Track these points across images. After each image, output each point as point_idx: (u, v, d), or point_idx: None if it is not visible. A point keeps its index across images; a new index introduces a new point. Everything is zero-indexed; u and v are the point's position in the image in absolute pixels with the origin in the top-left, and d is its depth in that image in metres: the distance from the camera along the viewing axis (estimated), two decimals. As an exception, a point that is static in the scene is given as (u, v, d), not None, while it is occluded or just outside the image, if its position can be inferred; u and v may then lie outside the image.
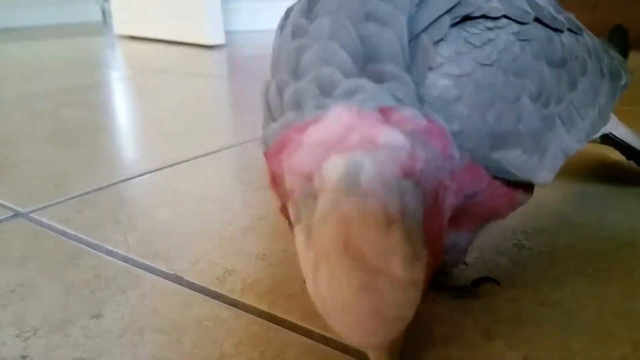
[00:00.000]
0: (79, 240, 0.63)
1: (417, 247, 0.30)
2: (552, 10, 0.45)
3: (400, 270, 0.29)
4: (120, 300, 0.50)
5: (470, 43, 0.38)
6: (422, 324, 0.45)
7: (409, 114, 0.34)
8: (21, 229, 0.67)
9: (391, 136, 0.32)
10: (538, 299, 0.48)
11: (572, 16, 0.50)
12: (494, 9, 0.39)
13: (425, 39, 0.36)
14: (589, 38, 0.51)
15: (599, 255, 0.54)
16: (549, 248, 0.56)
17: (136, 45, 2.51)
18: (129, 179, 0.81)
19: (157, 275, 0.54)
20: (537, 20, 0.42)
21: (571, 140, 0.45)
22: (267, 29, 2.71)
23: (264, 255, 0.57)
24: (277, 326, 0.45)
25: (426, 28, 0.37)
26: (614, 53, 0.58)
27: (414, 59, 0.36)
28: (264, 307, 0.48)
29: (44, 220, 0.68)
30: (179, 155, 0.91)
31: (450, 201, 0.36)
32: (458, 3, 0.38)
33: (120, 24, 2.71)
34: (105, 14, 3.57)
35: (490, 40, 0.38)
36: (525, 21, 0.41)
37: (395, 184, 0.30)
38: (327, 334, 0.44)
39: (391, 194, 0.30)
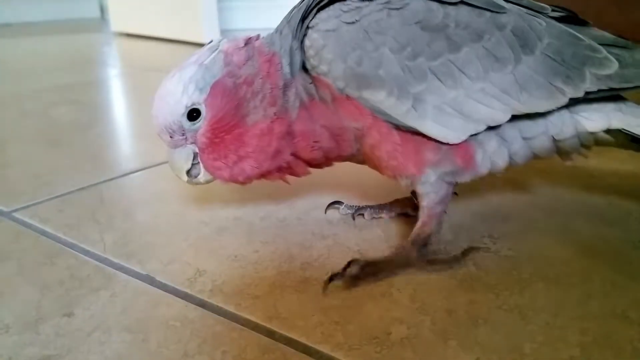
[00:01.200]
0: (58, 240, 0.64)
1: (191, 86, 0.53)
2: None
3: (165, 89, 0.55)
4: (92, 299, 0.52)
5: (341, 10, 0.52)
6: (381, 323, 0.46)
7: (259, 43, 0.57)
8: (3, 228, 0.68)
9: (235, 44, 0.56)
10: (497, 303, 0.49)
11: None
12: None
13: (311, 11, 0.54)
14: (519, 19, 0.54)
15: (561, 260, 0.56)
16: (513, 252, 0.57)
17: (132, 42, 2.52)
18: (112, 179, 0.82)
19: (130, 275, 0.56)
20: None
21: (466, 100, 0.51)
22: (263, 27, 2.72)
23: (235, 256, 0.58)
24: (240, 326, 0.47)
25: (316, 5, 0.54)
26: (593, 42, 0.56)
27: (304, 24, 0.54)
28: (230, 307, 0.49)
29: (26, 219, 0.69)
30: (164, 156, 0.92)
31: (263, 104, 0.55)
32: None
33: (117, 21, 2.72)
34: (103, 10, 3.58)
35: (357, 7, 0.52)
36: None
37: (215, 54, 0.55)
38: (288, 334, 0.45)
39: (205, 57, 0.55)
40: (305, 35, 0.53)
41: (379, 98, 0.51)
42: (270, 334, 0.46)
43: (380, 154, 0.55)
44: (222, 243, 0.61)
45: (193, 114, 0.54)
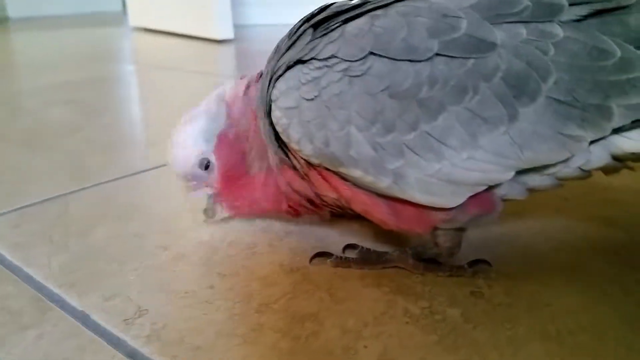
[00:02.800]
0: (2, 262, 0.57)
1: (199, 139, 0.56)
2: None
3: (179, 140, 0.57)
4: (16, 340, 0.45)
5: (299, 81, 0.47)
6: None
7: (255, 92, 0.55)
8: (-53, 245, 0.62)
9: (236, 92, 0.57)
10: (482, 368, 0.41)
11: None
12: (328, 50, 0.47)
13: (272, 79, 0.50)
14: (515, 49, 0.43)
15: (567, 311, 0.47)
16: (510, 299, 0.49)
17: (148, 37, 2.48)
18: (83, 189, 0.76)
19: (65, 311, 0.49)
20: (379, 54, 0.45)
21: (453, 170, 0.44)
22: (277, 23, 2.65)
23: (186, 292, 0.51)
24: (168, 388, 0.39)
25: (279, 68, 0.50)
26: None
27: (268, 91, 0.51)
28: (164, 360, 0.42)
29: (-24, 235, 0.63)
30: (144, 164, 0.85)
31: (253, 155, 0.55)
32: (311, 48, 0.48)
33: (135, 16, 2.68)
34: (125, 4, 3.56)
35: (315, 78, 0.46)
36: (355, 59, 0.45)
37: (220, 104, 0.57)
38: (222, 402, 0.38)
39: (212, 107, 0.57)
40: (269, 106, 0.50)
41: (356, 175, 0.46)
42: (200, 401, 0.38)
43: (374, 219, 0.51)
44: (176, 274, 0.54)
45: (205, 164, 0.56)
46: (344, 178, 0.48)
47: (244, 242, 0.59)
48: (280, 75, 0.49)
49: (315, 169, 0.49)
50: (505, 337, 0.44)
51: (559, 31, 0.43)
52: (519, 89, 0.42)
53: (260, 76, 0.56)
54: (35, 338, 0.45)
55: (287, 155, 0.51)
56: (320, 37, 0.48)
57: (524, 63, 0.43)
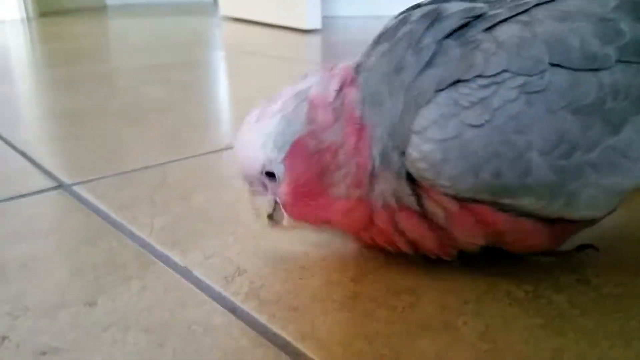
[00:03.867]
0: (107, 219, 0.60)
1: (269, 142, 0.46)
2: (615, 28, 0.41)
3: (246, 139, 0.48)
4: (121, 289, 0.47)
5: (459, 104, 0.39)
6: None
7: (352, 98, 0.45)
8: (58, 201, 0.66)
9: (324, 93, 0.46)
10: (592, 356, 0.39)
11: None
12: (495, 64, 0.40)
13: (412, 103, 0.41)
14: None
15: (685, 307, 0.44)
16: (621, 290, 0.46)
17: (238, 26, 2.53)
18: (180, 159, 0.78)
19: (168, 266, 0.51)
20: (560, 65, 0.40)
21: (624, 182, 0.42)
22: (365, 15, 2.64)
23: (282, 257, 0.51)
24: (268, 342, 0.40)
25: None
26: None
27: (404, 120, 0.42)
28: (262, 318, 0.43)
29: (83, 194, 0.67)
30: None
31: (345, 175, 0.45)
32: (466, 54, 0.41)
33: (226, 6, 2.75)
34: (216, -5, 3.65)
35: (483, 99, 0.39)
36: (534, 73, 0.40)
37: (300, 103, 0.46)
38: (316, 359, 0.38)
39: (290, 105, 0.46)
40: (407, 139, 0.41)
41: (524, 203, 0.41)
42: (298, 356, 0.38)
43: (520, 246, 0.46)
44: (272, 241, 0.54)
45: (272, 172, 0.47)
46: (500, 209, 0.42)
47: (337, 216, 0.59)
48: (428, 100, 0.41)
49: (467, 207, 0.42)
50: (617, 327, 0.41)
51: None
52: None
53: (356, 73, 0.46)
54: (139, 289, 0.47)
55: (418, 202, 0.43)
56: (471, 50, 0.41)
57: None
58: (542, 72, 0.39)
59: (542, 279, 0.47)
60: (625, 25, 0.41)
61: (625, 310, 0.43)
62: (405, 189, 0.42)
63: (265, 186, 0.48)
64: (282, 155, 0.45)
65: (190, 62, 1.62)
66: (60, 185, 0.69)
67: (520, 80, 0.39)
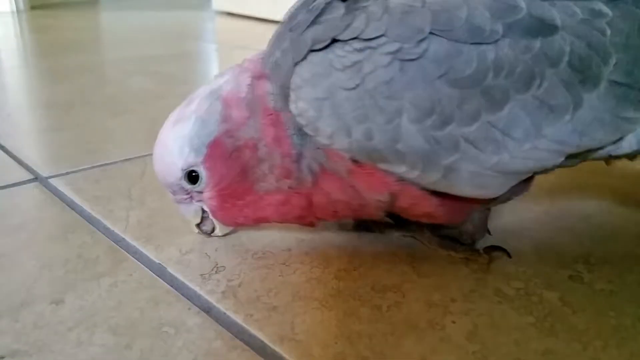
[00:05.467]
0: (82, 213, 0.58)
1: (185, 146, 0.45)
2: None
3: (162, 145, 0.47)
4: (90, 287, 0.45)
5: (332, 66, 0.40)
6: None
7: (265, 90, 0.44)
8: (33, 194, 0.63)
9: (237, 89, 0.45)
10: (584, 357, 0.36)
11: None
12: (374, 29, 0.39)
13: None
14: (572, 35, 0.39)
15: (683, 305, 0.42)
16: (613, 287, 0.44)
17: (231, 20, 2.50)
18: (162, 152, 0.76)
19: (141, 262, 0.48)
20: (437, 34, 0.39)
21: (512, 162, 0.40)
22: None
23: (263, 252, 0.49)
24: (243, 345, 0.38)
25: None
26: None
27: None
28: (239, 318, 0.40)
29: (59, 187, 0.64)
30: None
31: (267, 164, 0.44)
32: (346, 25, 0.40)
33: (219, 0, 2.72)
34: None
35: (355, 63, 0.39)
36: (411, 40, 0.38)
37: (213, 102, 0.45)
38: (297, 364, 0.36)
39: (203, 105, 0.45)
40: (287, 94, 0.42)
41: (399, 170, 0.41)
42: (276, 359, 0.36)
43: (416, 214, 0.46)
44: (252, 236, 0.52)
45: (192, 175, 0.45)
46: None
47: (322, 210, 0.57)
48: (302, 59, 0.41)
49: (361, 166, 0.42)
50: (610, 326, 0.39)
51: (606, 10, 0.40)
52: (583, 74, 0.39)
53: (267, 63, 0.45)
54: (109, 286, 0.45)
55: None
56: (355, 12, 0.40)
57: (586, 46, 0.39)
58: (421, 40, 0.38)
59: (533, 275, 0.45)
60: (523, 2, 0.39)
61: (618, 307, 0.41)
62: (314, 147, 0.43)
63: (188, 194, 0.47)
64: (201, 158, 0.44)
65: (180, 55, 1.59)
66: (36, 178, 0.67)
67: (394, 46, 0.38)
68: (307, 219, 0.47)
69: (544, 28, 0.39)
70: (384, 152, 0.40)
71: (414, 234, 0.50)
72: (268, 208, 0.46)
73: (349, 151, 0.41)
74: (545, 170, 0.43)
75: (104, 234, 0.53)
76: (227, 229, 0.50)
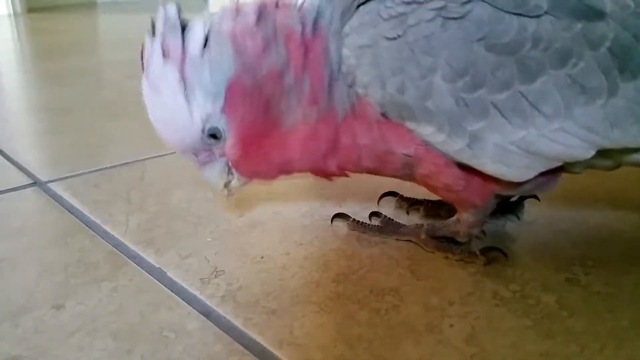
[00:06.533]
0: (81, 217, 0.58)
1: (200, 98, 0.41)
2: None
3: (165, 108, 0.44)
4: (91, 291, 0.45)
5: (379, 16, 0.40)
6: None
7: (285, 14, 0.43)
8: (32, 199, 0.63)
9: (243, 21, 0.42)
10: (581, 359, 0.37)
11: None
12: None
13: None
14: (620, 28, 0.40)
15: (679, 307, 0.42)
16: (611, 289, 0.44)
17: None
18: (160, 155, 0.76)
19: (141, 267, 0.48)
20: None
21: (538, 140, 0.40)
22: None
23: (262, 257, 0.49)
24: (243, 349, 0.38)
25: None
26: None
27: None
28: (238, 322, 0.41)
29: (59, 191, 0.64)
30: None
31: (296, 103, 0.43)
32: None
33: (216, 3, 2.72)
34: (206, -10, 3.62)
35: (401, 14, 0.40)
36: (457, 0, 0.39)
37: (222, 44, 0.41)
38: (297, 368, 0.36)
39: (214, 48, 0.41)
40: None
41: (426, 132, 0.41)
42: (276, 364, 0.36)
43: (435, 185, 0.46)
44: (251, 240, 0.52)
45: (214, 132, 0.43)
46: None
47: (319, 214, 0.57)
48: (356, 7, 0.42)
49: (390, 121, 0.42)
50: (607, 328, 0.40)
51: None
52: (623, 62, 0.40)
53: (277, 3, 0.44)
54: (110, 291, 0.45)
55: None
56: None
57: (632, 36, 0.40)
58: (466, 2, 0.39)
59: (530, 278, 0.45)
60: None
61: (615, 310, 0.42)
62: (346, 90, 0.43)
63: (211, 152, 0.45)
64: (219, 106, 0.42)
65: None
66: (35, 183, 0.67)
67: (440, 3, 0.39)
68: (331, 164, 0.45)
69: (589, 13, 0.40)
70: (413, 109, 0.40)
71: (411, 237, 0.51)
72: (294, 146, 0.44)
73: (380, 104, 0.41)
74: (574, 165, 0.43)
75: (103, 238, 0.53)
76: (246, 181, 0.47)
